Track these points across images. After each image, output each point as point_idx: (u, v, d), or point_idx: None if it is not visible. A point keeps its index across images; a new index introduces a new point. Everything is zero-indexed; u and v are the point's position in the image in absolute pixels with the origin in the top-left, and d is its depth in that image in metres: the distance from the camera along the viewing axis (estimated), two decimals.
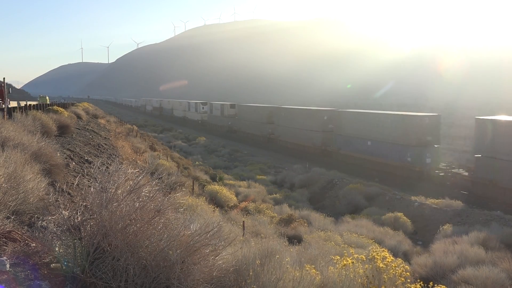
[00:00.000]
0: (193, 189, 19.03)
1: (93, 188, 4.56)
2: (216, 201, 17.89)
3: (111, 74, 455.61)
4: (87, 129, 25.47)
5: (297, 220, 17.31)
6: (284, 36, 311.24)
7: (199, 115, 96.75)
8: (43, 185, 6.01)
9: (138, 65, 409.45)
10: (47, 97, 58.08)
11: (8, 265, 3.91)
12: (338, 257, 5.69)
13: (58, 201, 4.84)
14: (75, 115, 29.80)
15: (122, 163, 13.84)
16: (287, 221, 17.22)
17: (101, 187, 4.51)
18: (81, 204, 4.52)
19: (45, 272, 4.06)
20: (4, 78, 25.14)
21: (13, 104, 27.28)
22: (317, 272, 5.41)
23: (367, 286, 5.13)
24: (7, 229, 4.52)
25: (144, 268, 4.08)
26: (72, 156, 12.91)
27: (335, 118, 49.05)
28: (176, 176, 18.79)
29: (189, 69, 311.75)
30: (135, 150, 25.90)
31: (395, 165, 37.59)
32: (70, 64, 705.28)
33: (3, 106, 20.31)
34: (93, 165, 7.63)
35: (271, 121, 63.58)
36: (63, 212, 4.50)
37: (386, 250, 5.70)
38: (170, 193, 8.53)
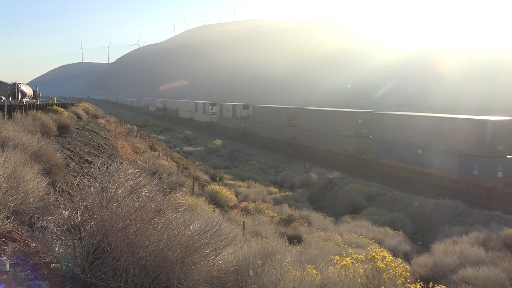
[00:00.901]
0: (193, 189, 19.03)
1: (93, 188, 4.56)
2: (216, 201, 17.89)
3: (111, 74, 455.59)
4: (87, 129, 25.47)
5: (297, 220, 17.31)
6: (284, 36, 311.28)
7: (208, 116, 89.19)
8: (43, 185, 6.01)
9: (138, 65, 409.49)
10: (54, 98, 63.30)
11: (8, 265, 3.91)
12: (338, 257, 5.69)
13: (58, 201, 4.85)
14: (75, 115, 29.79)
15: (122, 163, 13.84)
16: (287, 221, 17.22)
17: (101, 187, 4.51)
18: (81, 204, 4.52)
19: (45, 272, 4.06)
20: (37, 87, 43.88)
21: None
22: (317, 272, 5.41)
23: (367, 286, 5.13)
24: (7, 229, 4.52)
25: (144, 268, 4.08)
26: (72, 156, 12.91)
27: (372, 121, 42.23)
28: (176, 176, 18.79)
29: (189, 69, 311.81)
30: (135, 150, 25.90)
31: (456, 179, 31.06)
32: (70, 64, 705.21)
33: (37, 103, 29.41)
34: (93, 165, 7.63)
35: (292, 124, 56.41)
36: (63, 212, 4.50)
37: (385, 250, 5.70)
38: (170, 193, 8.54)
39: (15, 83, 35.61)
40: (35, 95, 41.32)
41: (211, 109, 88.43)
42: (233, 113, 76.53)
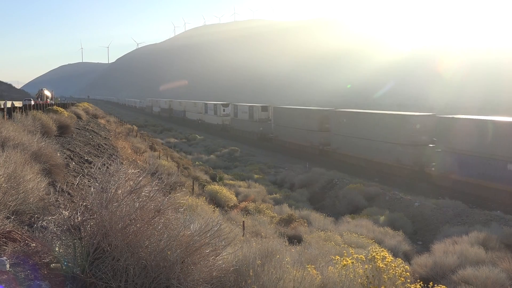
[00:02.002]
0: (193, 189, 19.03)
1: (93, 188, 4.56)
2: (216, 201, 17.89)
3: (111, 74, 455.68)
4: (87, 129, 25.47)
5: (297, 220, 17.31)
6: (284, 36, 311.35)
7: (219, 118, 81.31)
8: (43, 185, 6.02)
9: (138, 65, 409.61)
10: (58, 98, 75.27)
11: (8, 265, 3.91)
12: (338, 257, 5.70)
13: (58, 201, 4.85)
14: (75, 115, 29.80)
15: (122, 163, 13.85)
16: (287, 221, 17.22)
17: (101, 187, 4.51)
18: (81, 204, 4.52)
19: (45, 272, 4.06)
20: (52, 91, 61.69)
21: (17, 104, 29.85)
22: (317, 272, 5.41)
23: (367, 286, 5.13)
24: (7, 229, 4.52)
25: (144, 268, 4.08)
26: (72, 156, 12.91)
27: (436, 126, 34.77)
28: (176, 176, 18.80)
29: (189, 69, 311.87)
30: (135, 150, 25.90)
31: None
32: (70, 64, 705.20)
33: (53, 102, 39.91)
34: (93, 165, 7.63)
35: (325, 129, 48.92)
36: (63, 212, 4.50)
37: (385, 250, 5.71)
38: (170, 193, 8.54)
39: (41, 89, 55.61)
40: (52, 96, 59.42)
41: (223, 110, 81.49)
42: (250, 115, 68.97)
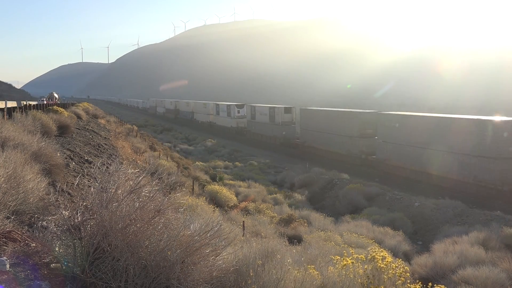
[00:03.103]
0: (193, 189, 19.04)
1: (93, 188, 4.57)
2: (216, 201, 17.89)
3: (111, 74, 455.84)
4: (87, 129, 25.48)
5: (297, 220, 17.31)
6: (284, 36, 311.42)
7: (234, 121, 74.58)
8: (43, 185, 6.02)
9: (138, 65, 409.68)
10: (60, 99, 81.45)
11: (8, 265, 3.91)
12: (338, 257, 5.70)
13: (58, 201, 4.85)
14: (75, 115, 29.80)
15: (122, 163, 13.84)
16: (287, 221, 17.22)
17: (101, 187, 4.51)
18: (81, 204, 4.52)
19: (45, 272, 4.06)
20: (58, 93, 74.03)
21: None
22: (318, 272, 5.41)
23: (367, 286, 5.14)
24: (7, 229, 4.52)
25: (144, 268, 4.08)
26: (72, 156, 12.91)
27: None
28: (176, 176, 18.79)
29: (189, 69, 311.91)
30: (135, 150, 25.91)
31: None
32: (70, 64, 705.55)
33: (59, 103, 48.50)
34: (93, 165, 7.63)
35: (368, 134, 41.86)
36: (63, 212, 4.50)
37: (385, 250, 5.71)
38: (170, 193, 8.54)
39: (52, 92, 66.91)
40: (58, 98, 66.95)
41: (238, 112, 74.72)
42: (270, 118, 62.24)
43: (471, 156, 29.67)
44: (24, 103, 26.49)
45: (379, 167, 39.32)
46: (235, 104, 77.16)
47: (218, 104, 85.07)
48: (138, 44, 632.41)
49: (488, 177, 28.43)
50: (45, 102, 42.86)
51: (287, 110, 61.00)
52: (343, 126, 45.03)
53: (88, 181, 8.78)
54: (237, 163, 45.05)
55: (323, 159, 45.92)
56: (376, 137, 40.84)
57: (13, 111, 17.90)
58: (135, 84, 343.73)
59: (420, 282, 5.62)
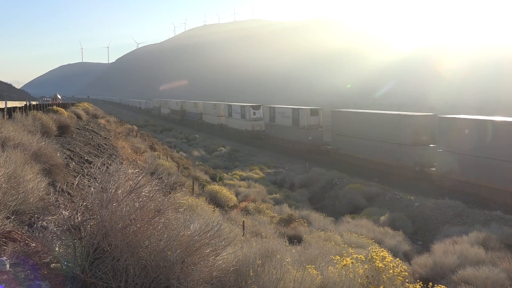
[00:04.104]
0: (193, 189, 19.04)
1: (93, 188, 4.57)
2: (216, 201, 17.90)
3: (111, 74, 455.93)
4: (87, 129, 25.48)
5: (297, 220, 17.32)
6: (284, 36, 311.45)
7: (249, 123, 67.17)
8: (43, 185, 6.02)
9: (138, 65, 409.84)
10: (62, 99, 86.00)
11: (8, 265, 3.91)
12: (338, 257, 5.70)
13: (58, 201, 4.85)
14: (75, 115, 29.80)
15: (122, 163, 13.85)
16: (287, 221, 17.23)
17: (101, 187, 4.51)
18: (81, 204, 4.52)
19: (45, 272, 4.07)
20: (61, 95, 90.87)
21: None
22: (317, 272, 5.41)
23: (367, 286, 5.14)
24: (7, 229, 4.53)
25: (144, 268, 4.08)
26: (72, 156, 12.91)
27: None
28: (176, 176, 18.80)
29: (189, 69, 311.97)
30: (135, 150, 25.91)
31: None
32: (70, 64, 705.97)
33: (61, 103, 49.85)
34: (93, 165, 7.63)
35: (422, 142, 35.27)
36: (63, 212, 4.50)
37: (385, 250, 5.71)
38: (170, 193, 8.54)
39: (56, 94, 76.23)
40: (61, 99, 73.15)
41: (254, 113, 67.48)
42: (294, 120, 55.62)
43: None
44: (34, 102, 31.00)
45: (441, 182, 31.95)
46: (251, 105, 69.57)
47: (230, 105, 77.55)
48: (138, 44, 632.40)
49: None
50: (50, 102, 49.13)
51: (314, 112, 54.44)
52: (390, 132, 38.12)
53: (88, 181, 8.79)
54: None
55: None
56: (432, 145, 34.45)
57: (13, 111, 17.91)
58: (135, 84, 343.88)
59: (420, 282, 5.63)
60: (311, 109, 55.52)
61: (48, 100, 54.91)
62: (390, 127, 38.62)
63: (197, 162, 38.37)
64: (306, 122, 53.46)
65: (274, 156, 48.60)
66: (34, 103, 30.89)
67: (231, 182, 29.24)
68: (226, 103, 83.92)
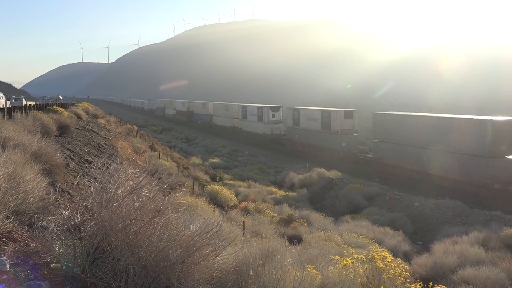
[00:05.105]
0: (193, 189, 19.03)
1: (93, 188, 4.56)
2: (216, 201, 17.89)
3: (111, 74, 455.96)
4: (87, 129, 25.48)
5: (297, 220, 17.32)
6: (284, 36, 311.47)
7: (267, 126, 60.86)
8: (43, 185, 6.01)
9: (138, 65, 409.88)
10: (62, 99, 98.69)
11: (8, 265, 3.91)
12: (338, 257, 5.70)
13: (58, 201, 4.85)
14: (75, 115, 29.80)
15: (122, 163, 13.84)
16: (287, 221, 17.23)
17: (101, 187, 4.51)
18: (81, 204, 4.52)
19: (45, 272, 4.07)
20: (63, 95, 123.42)
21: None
22: (317, 272, 5.41)
23: (367, 286, 5.13)
24: (7, 229, 4.52)
25: (144, 268, 4.08)
26: (72, 156, 12.91)
27: None
28: (176, 176, 18.80)
29: (189, 69, 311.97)
30: (135, 150, 25.91)
31: None
32: (70, 64, 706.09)
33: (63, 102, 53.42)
34: (93, 165, 7.63)
35: (501, 153, 28.81)
36: (63, 212, 4.50)
37: (386, 250, 5.71)
38: (170, 193, 8.54)
39: (58, 95, 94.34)
40: (62, 99, 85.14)
41: (273, 115, 61.20)
42: (323, 124, 48.75)
43: None
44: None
45: None
46: (269, 106, 63.59)
47: (245, 106, 71.10)
48: (138, 44, 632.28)
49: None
50: (53, 102, 55.47)
51: (348, 114, 47.55)
52: (456, 139, 31.18)
53: (88, 181, 8.78)
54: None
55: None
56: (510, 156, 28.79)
57: (13, 111, 17.92)
58: (135, 84, 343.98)
59: (420, 282, 5.63)
60: (344, 111, 48.70)
61: (49, 100, 64.29)
62: (456, 133, 31.42)
63: (197, 162, 38.31)
64: (339, 126, 46.44)
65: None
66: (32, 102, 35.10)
67: (231, 182, 29.25)
68: (239, 103, 77.31)
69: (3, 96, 50.97)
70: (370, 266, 5.30)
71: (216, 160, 43.56)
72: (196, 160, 36.64)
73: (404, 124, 37.90)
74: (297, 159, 48.58)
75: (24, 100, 53.55)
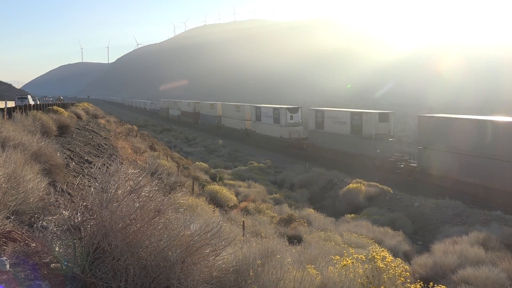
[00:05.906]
0: (193, 189, 19.03)
1: (93, 188, 4.57)
2: (216, 201, 17.89)
3: (111, 74, 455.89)
4: (87, 129, 25.48)
5: (297, 220, 17.31)
6: (284, 36, 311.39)
7: (285, 129, 54.99)
8: (43, 185, 6.02)
9: (138, 65, 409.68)
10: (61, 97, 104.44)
11: (8, 265, 3.91)
12: (338, 257, 5.70)
13: (58, 201, 4.85)
14: (75, 115, 29.80)
15: (122, 163, 13.84)
16: (287, 221, 17.22)
17: (101, 187, 4.51)
18: (81, 204, 4.52)
19: (45, 272, 4.07)
20: (62, 96, 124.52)
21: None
22: (317, 272, 5.41)
23: (367, 286, 5.14)
24: (7, 229, 4.52)
25: (144, 268, 4.08)
26: (72, 156, 12.91)
27: None
28: (176, 176, 18.81)
29: (189, 69, 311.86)
30: (135, 150, 25.91)
31: None
32: (70, 64, 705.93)
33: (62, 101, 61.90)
34: (93, 165, 7.62)
35: None
36: (63, 212, 4.50)
37: (386, 250, 5.71)
38: (170, 193, 8.54)
39: (59, 96, 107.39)
40: (62, 99, 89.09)
41: (291, 117, 55.31)
42: (353, 128, 43.18)
43: None
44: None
45: None
46: (287, 108, 57.43)
47: (259, 107, 65.07)
48: (138, 44, 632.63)
49: None
50: (54, 102, 57.16)
51: (384, 117, 41.63)
52: None
53: (88, 181, 8.79)
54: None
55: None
56: None
57: (13, 111, 17.92)
58: (135, 84, 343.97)
59: (421, 282, 5.63)
60: (379, 113, 42.47)
61: (50, 100, 68.48)
62: None
63: (197, 162, 38.26)
64: (373, 130, 40.82)
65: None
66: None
67: (231, 182, 29.25)
68: (252, 104, 71.21)
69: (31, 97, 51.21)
70: (370, 266, 5.30)
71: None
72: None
73: (459, 129, 31.50)
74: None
75: (30, 99, 47.41)
